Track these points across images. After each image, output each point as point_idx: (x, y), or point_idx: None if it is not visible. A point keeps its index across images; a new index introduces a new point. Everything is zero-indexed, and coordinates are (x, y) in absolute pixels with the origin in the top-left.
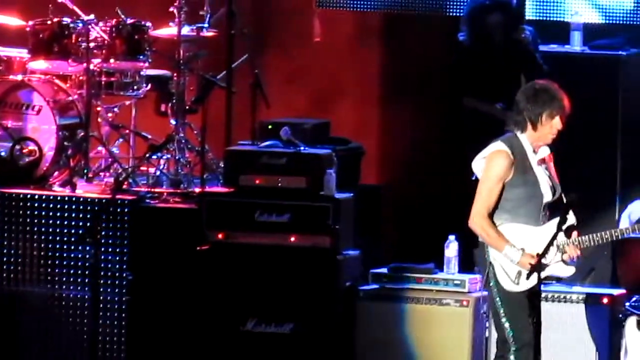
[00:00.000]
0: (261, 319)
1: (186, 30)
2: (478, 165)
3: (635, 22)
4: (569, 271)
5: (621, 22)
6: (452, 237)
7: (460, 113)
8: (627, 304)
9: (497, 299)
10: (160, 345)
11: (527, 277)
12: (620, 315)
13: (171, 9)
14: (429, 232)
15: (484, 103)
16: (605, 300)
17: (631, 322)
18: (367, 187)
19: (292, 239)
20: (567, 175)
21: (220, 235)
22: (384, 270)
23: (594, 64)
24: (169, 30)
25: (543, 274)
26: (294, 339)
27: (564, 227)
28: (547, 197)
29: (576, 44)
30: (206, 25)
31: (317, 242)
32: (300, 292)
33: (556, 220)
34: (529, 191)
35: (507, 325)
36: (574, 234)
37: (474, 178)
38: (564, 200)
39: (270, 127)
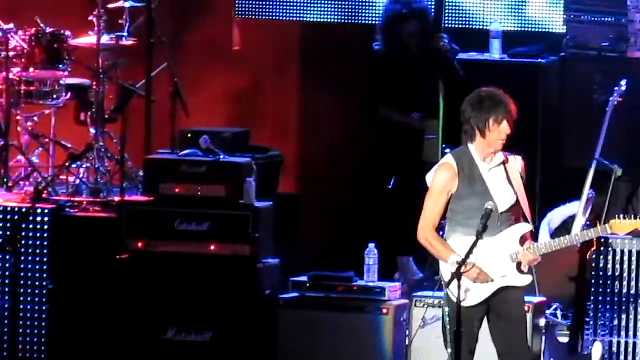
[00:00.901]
0: (181, 327)
1: (106, 39)
2: (429, 178)
3: (553, 30)
4: (525, 280)
5: (540, 30)
6: (372, 245)
7: (377, 122)
8: (547, 311)
9: (447, 310)
10: (81, 354)
11: (447, 285)
12: (541, 324)
13: (90, 18)
14: (349, 241)
15: (398, 113)
16: (525, 308)
17: (551, 330)
18: (286, 196)
19: (212, 247)
20: None
21: (140, 244)
22: (304, 278)
23: (514, 71)
24: (88, 39)
25: (499, 284)
26: (214, 348)
27: (482, 236)
28: (501, 207)
29: (496, 52)
30: (125, 34)
31: (237, 250)
32: (220, 301)
33: (512, 229)
34: (479, 202)
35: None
36: (528, 241)
37: (391, 186)
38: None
39: (189, 135)
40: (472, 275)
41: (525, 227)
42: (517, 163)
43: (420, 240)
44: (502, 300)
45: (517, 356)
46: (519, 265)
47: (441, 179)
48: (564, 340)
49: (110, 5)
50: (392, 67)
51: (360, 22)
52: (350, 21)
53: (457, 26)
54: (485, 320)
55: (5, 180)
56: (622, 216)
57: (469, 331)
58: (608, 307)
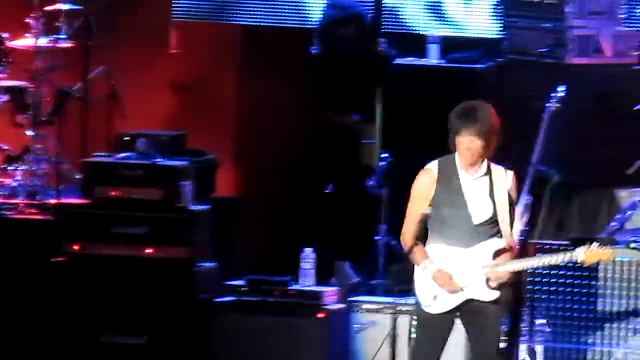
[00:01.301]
0: (117, 330)
1: (43, 41)
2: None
3: (491, 36)
4: (490, 295)
5: (478, 35)
6: (308, 250)
7: (317, 126)
8: None
9: (414, 317)
10: (16, 357)
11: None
12: None
13: (28, 20)
14: (287, 245)
15: (339, 116)
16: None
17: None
18: (223, 199)
19: (149, 250)
20: None
21: (76, 247)
22: (241, 282)
23: (451, 77)
24: (25, 42)
25: (467, 296)
26: (150, 350)
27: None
28: (477, 219)
29: (433, 57)
30: (63, 36)
31: (173, 253)
32: (156, 304)
33: (486, 243)
34: (455, 212)
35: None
36: (502, 257)
37: (328, 191)
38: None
39: (126, 138)
40: (440, 281)
41: (499, 243)
42: (506, 178)
43: (401, 243)
44: (473, 312)
45: None
46: (488, 280)
47: (419, 183)
48: (501, 345)
49: (48, 8)
50: (330, 71)
51: (298, 25)
52: (288, 25)
53: (394, 31)
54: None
55: None
56: (592, 244)
57: (431, 339)
58: (543, 312)
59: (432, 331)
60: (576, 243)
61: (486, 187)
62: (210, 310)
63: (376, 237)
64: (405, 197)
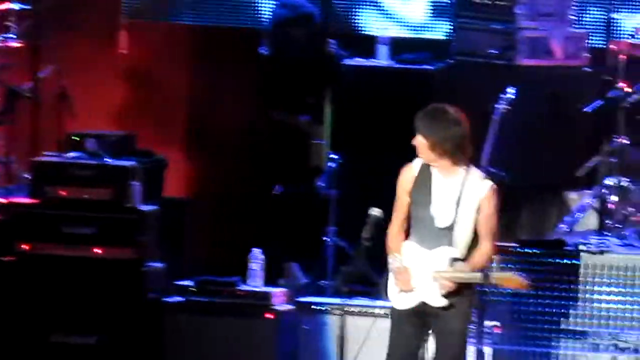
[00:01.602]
0: (67, 330)
1: None
2: None
3: (441, 37)
4: (438, 302)
5: (428, 36)
6: (256, 251)
7: (266, 127)
8: None
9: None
10: None
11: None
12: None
13: None
14: (236, 246)
15: (289, 116)
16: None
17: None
18: (172, 200)
19: (98, 250)
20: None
21: (25, 247)
22: (189, 283)
23: (401, 78)
24: None
25: (421, 298)
26: (100, 350)
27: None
28: (440, 222)
29: (383, 58)
30: (12, 36)
31: (122, 254)
32: (105, 304)
33: (442, 249)
34: (420, 211)
35: None
36: (457, 265)
37: (277, 192)
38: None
39: (75, 138)
40: (397, 276)
41: (450, 252)
42: (481, 187)
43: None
44: (429, 314)
45: None
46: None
47: (400, 177)
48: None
49: None
50: (279, 72)
51: (248, 25)
52: (238, 25)
53: (344, 32)
54: None
55: None
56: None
57: (400, 334)
58: (492, 314)
59: (401, 327)
60: (524, 245)
61: (456, 193)
62: (159, 310)
63: (325, 238)
64: (354, 198)
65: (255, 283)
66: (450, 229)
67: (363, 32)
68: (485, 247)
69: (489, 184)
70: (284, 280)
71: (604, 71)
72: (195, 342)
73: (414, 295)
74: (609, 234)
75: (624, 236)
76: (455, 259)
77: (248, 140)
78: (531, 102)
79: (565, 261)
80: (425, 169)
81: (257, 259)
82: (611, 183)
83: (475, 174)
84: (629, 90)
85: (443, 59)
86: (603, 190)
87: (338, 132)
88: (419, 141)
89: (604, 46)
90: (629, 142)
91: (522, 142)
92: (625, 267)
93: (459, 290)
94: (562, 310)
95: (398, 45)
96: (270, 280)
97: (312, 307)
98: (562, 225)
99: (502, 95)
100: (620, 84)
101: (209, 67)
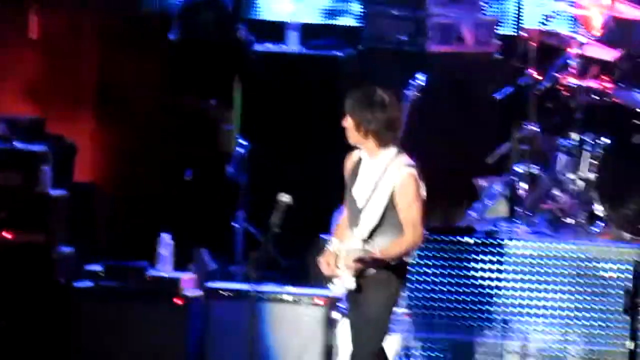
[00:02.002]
0: None
1: None
2: None
3: (352, 23)
4: (350, 284)
5: (338, 22)
6: (165, 236)
7: (175, 112)
8: (340, 305)
9: None
10: None
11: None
12: (334, 316)
13: None
14: (146, 230)
15: (198, 101)
16: (319, 301)
17: (344, 323)
18: (81, 185)
19: (7, 235)
20: (287, 176)
21: None
22: (99, 267)
23: (311, 64)
24: None
25: (344, 283)
26: (9, 334)
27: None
28: (359, 203)
29: (293, 44)
30: None
31: (31, 238)
32: (14, 289)
33: (361, 228)
34: (349, 194)
35: None
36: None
37: (186, 177)
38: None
39: None
40: (321, 260)
41: (357, 233)
42: (398, 173)
43: None
44: (354, 300)
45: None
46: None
47: (344, 166)
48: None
49: None
50: (188, 57)
51: (157, 10)
52: (148, 9)
53: (254, 17)
54: None
55: None
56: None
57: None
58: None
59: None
60: (434, 231)
61: (376, 175)
62: (68, 295)
63: (234, 224)
64: (263, 184)
65: (164, 268)
66: (363, 209)
67: (274, 18)
68: (404, 236)
69: (407, 170)
70: (193, 265)
71: (514, 58)
72: (104, 327)
73: (340, 283)
74: (519, 221)
75: (533, 223)
76: (368, 239)
77: (158, 126)
78: (441, 88)
79: (474, 248)
80: (360, 156)
81: (166, 244)
82: (521, 170)
83: (400, 159)
84: (539, 77)
85: (353, 45)
86: (513, 178)
87: (247, 118)
88: (347, 122)
89: (515, 33)
90: (539, 129)
91: (432, 128)
92: (535, 255)
93: (377, 278)
94: (472, 298)
95: (308, 31)
96: (179, 266)
97: (221, 292)
98: (471, 212)
99: (411, 82)
100: (531, 71)
101: (119, 51)
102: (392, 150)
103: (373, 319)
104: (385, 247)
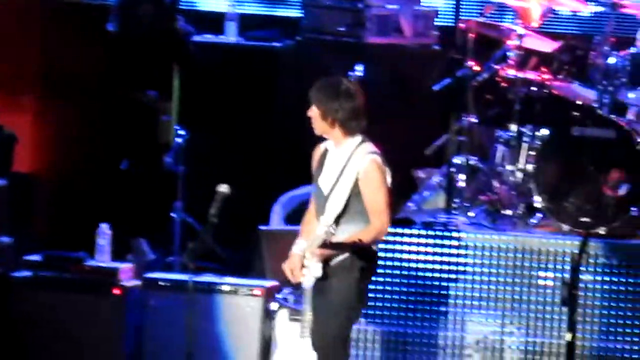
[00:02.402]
0: None
1: None
2: None
3: (290, 14)
4: (316, 271)
5: (277, 13)
6: (104, 226)
7: (114, 103)
8: (278, 295)
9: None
10: None
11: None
12: (272, 307)
13: None
14: (84, 221)
15: (137, 92)
16: (257, 292)
17: (282, 314)
18: (20, 175)
19: None
20: (226, 166)
21: None
22: (37, 257)
23: (250, 55)
24: None
25: (310, 275)
26: None
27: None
28: (325, 191)
29: (231, 35)
30: None
31: None
32: None
33: (327, 216)
34: (316, 184)
35: None
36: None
37: (124, 168)
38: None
39: None
40: (287, 264)
41: (322, 221)
42: (361, 161)
43: None
44: (317, 288)
45: (317, 348)
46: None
47: (312, 157)
48: (296, 324)
49: None
50: (127, 48)
51: (97, 1)
52: (87, 0)
53: (192, 8)
54: None
55: None
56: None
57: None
58: None
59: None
60: None
61: (341, 163)
62: (7, 285)
63: (172, 215)
64: (201, 175)
65: (103, 258)
66: (328, 198)
67: (212, 8)
68: (371, 224)
69: (370, 157)
70: (131, 256)
71: (452, 50)
72: (43, 317)
73: (309, 274)
74: (457, 213)
75: (472, 215)
76: (332, 226)
77: (96, 116)
78: (380, 80)
79: (412, 239)
80: (327, 147)
81: (104, 234)
82: (459, 162)
83: (364, 147)
84: (478, 68)
85: (292, 36)
86: (451, 169)
87: (186, 109)
88: (313, 111)
89: (453, 25)
90: (477, 121)
91: (370, 119)
92: (473, 246)
93: (341, 266)
94: (409, 289)
95: (247, 22)
96: (117, 256)
97: (160, 283)
98: (410, 204)
99: (350, 73)
100: (469, 63)
101: (58, 42)
102: (357, 138)
103: (337, 305)
104: (350, 234)
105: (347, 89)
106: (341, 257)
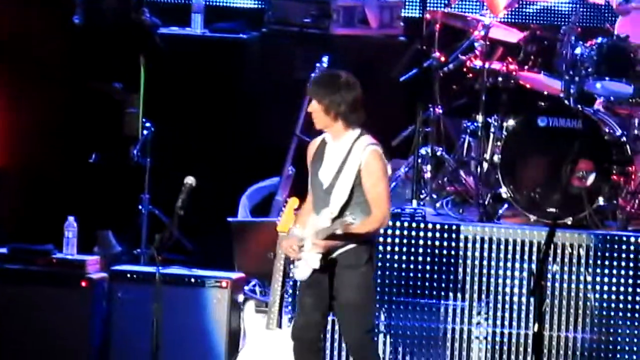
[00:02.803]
0: None
1: None
2: None
3: (255, 6)
4: (315, 263)
5: (242, 5)
6: (71, 219)
7: (80, 95)
8: (246, 287)
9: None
10: None
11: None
12: (239, 299)
13: None
14: (50, 213)
15: (102, 84)
16: (224, 284)
17: (249, 305)
18: None
19: None
20: (192, 158)
21: None
22: (3, 250)
23: (215, 47)
24: None
25: (308, 268)
26: None
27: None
28: (325, 184)
29: (197, 27)
30: None
31: None
32: None
33: (323, 211)
34: (314, 178)
35: None
36: (326, 228)
37: (91, 160)
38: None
39: None
40: (284, 242)
41: (329, 213)
42: (362, 153)
43: None
44: (330, 287)
45: (349, 345)
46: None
47: (307, 151)
48: (262, 316)
49: None
50: (92, 40)
51: None
52: None
53: (158, 0)
54: None
55: None
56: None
57: (300, 306)
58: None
59: (301, 298)
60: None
61: (342, 155)
62: None
63: (139, 207)
64: (168, 167)
65: (70, 251)
66: (330, 190)
67: (178, 0)
68: (372, 214)
69: (371, 148)
70: (98, 248)
71: (419, 40)
72: (9, 310)
73: (305, 265)
74: (424, 204)
75: (438, 206)
76: (335, 219)
77: (63, 108)
78: (346, 71)
79: (379, 231)
80: (324, 140)
81: (71, 227)
82: (426, 153)
83: (364, 138)
84: (444, 59)
85: (257, 28)
86: (418, 160)
87: (152, 101)
88: (314, 107)
89: (419, 15)
90: (443, 112)
91: None
92: (439, 237)
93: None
94: (379, 280)
95: (213, 14)
96: (84, 249)
97: (127, 275)
98: None
99: (316, 64)
100: (435, 54)
101: (23, 35)
102: (357, 130)
103: (355, 302)
104: (356, 227)
105: (346, 80)
106: (342, 250)
